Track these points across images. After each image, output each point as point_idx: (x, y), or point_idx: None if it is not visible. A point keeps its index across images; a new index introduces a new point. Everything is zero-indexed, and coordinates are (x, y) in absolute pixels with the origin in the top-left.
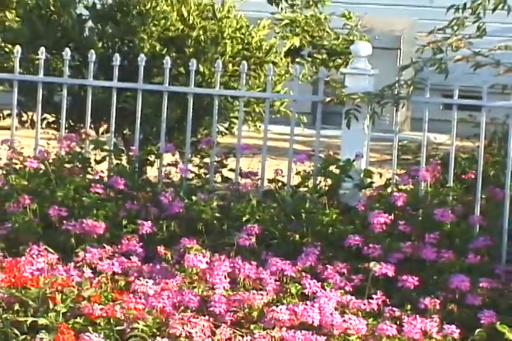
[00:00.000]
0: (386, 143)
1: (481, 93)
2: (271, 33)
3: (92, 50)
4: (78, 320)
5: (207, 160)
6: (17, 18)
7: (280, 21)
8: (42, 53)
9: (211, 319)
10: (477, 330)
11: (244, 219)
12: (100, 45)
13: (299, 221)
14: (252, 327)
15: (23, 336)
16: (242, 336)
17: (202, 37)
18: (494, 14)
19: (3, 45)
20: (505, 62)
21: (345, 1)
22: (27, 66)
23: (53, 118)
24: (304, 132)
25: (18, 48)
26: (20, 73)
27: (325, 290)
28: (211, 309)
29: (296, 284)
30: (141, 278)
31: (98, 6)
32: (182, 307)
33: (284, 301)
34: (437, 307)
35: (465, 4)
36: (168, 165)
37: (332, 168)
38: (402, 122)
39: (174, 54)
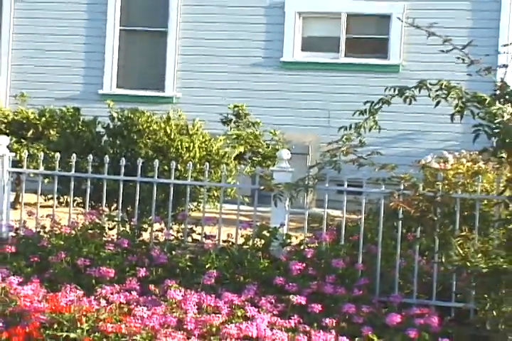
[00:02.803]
0: (300, 216)
1: (362, 183)
2: (225, 144)
3: (106, 155)
4: (97, 334)
5: (182, 227)
6: (57, 134)
7: (230, 136)
8: (73, 157)
9: (185, 333)
10: (356, 338)
11: (207, 266)
12: (112, 151)
13: (243, 268)
14: (212, 338)
15: None
16: None
17: (179, 146)
18: (370, 132)
19: (48, 152)
20: (378, 163)
21: (271, 123)
22: (63, 166)
23: (81, 200)
24: (246, 209)
25: (57, 154)
26: (59, 170)
27: (260, 313)
28: (185, 326)
29: (241, 310)
30: (139, 306)
31: (111, 126)
32: (165, 326)
33: (233, 321)
34: (334, 324)
35: (351, 125)
36: (157, 230)
37: (265, 232)
38: (310, 202)
39: (161, 157)
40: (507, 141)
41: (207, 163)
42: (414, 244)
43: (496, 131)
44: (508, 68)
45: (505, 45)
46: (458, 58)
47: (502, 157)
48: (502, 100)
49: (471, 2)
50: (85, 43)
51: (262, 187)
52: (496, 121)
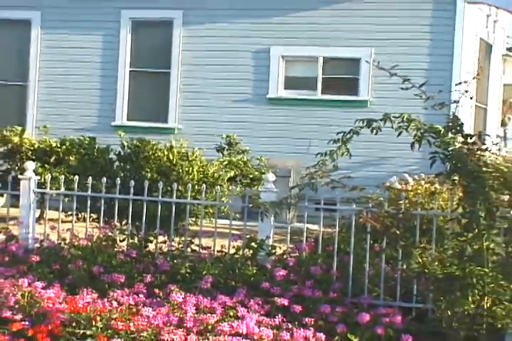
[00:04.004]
0: (283, 230)
1: (336, 201)
2: (219, 168)
3: (118, 178)
4: (109, 331)
5: (183, 239)
6: (75, 160)
7: (224, 162)
8: (89, 180)
9: (185, 330)
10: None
11: (203, 273)
12: (122, 175)
13: (234, 274)
14: (208, 335)
15: None
16: (203, 339)
17: (180, 170)
18: (343, 157)
19: (67, 175)
20: (349, 185)
21: (259, 150)
22: (81, 187)
23: (96, 216)
24: (237, 223)
25: (76, 177)
26: (77, 191)
27: (249, 313)
28: (185, 325)
29: (233, 310)
30: (145, 307)
31: (122, 153)
32: (168, 324)
33: (226, 320)
34: (313, 323)
35: (326, 152)
36: (161, 242)
37: (253, 243)
38: (292, 218)
39: (164, 180)
40: (459, 165)
41: (204, 185)
42: (380, 254)
43: (449, 157)
44: (459, 104)
45: (457, 84)
46: (416, 95)
47: (455, 179)
48: (453, 131)
49: (429, 47)
50: (100, 82)
51: (250, 205)
52: (449, 149)
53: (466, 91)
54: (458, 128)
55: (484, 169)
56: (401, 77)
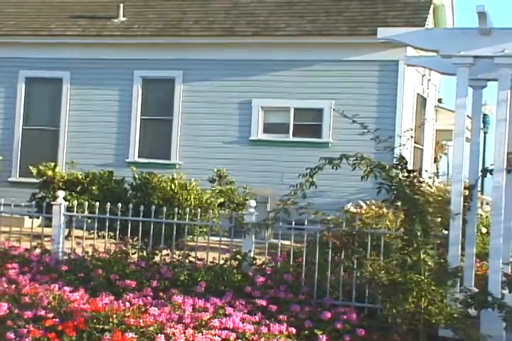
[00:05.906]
0: (262, 245)
1: (304, 222)
2: (211, 196)
3: (130, 204)
4: (123, 326)
5: (182, 252)
6: (97, 189)
7: (215, 190)
8: (108, 205)
9: (183, 326)
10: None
11: (198, 279)
12: (134, 201)
13: (223, 280)
14: (202, 329)
15: (98, 334)
16: (198, 333)
17: (180, 198)
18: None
19: (90, 201)
20: (314, 209)
21: (243, 181)
22: (101, 211)
23: (113, 234)
24: (226, 240)
25: (97, 203)
26: (98, 214)
27: (235, 312)
28: (183, 321)
29: (222, 309)
30: (152, 307)
31: (134, 184)
32: (170, 320)
33: (217, 317)
34: (286, 319)
35: (296, 184)
36: (165, 255)
37: (238, 256)
38: (269, 235)
39: (168, 205)
40: (400, 194)
41: (199, 209)
42: (339, 264)
43: (393, 187)
44: (404, 146)
45: (405, 131)
46: (371, 139)
47: (397, 205)
48: (400, 167)
49: (376, 100)
50: (117, 127)
51: (236, 225)
52: (393, 181)
53: (412, 137)
54: (403, 165)
55: (420, 198)
56: (358, 123)
